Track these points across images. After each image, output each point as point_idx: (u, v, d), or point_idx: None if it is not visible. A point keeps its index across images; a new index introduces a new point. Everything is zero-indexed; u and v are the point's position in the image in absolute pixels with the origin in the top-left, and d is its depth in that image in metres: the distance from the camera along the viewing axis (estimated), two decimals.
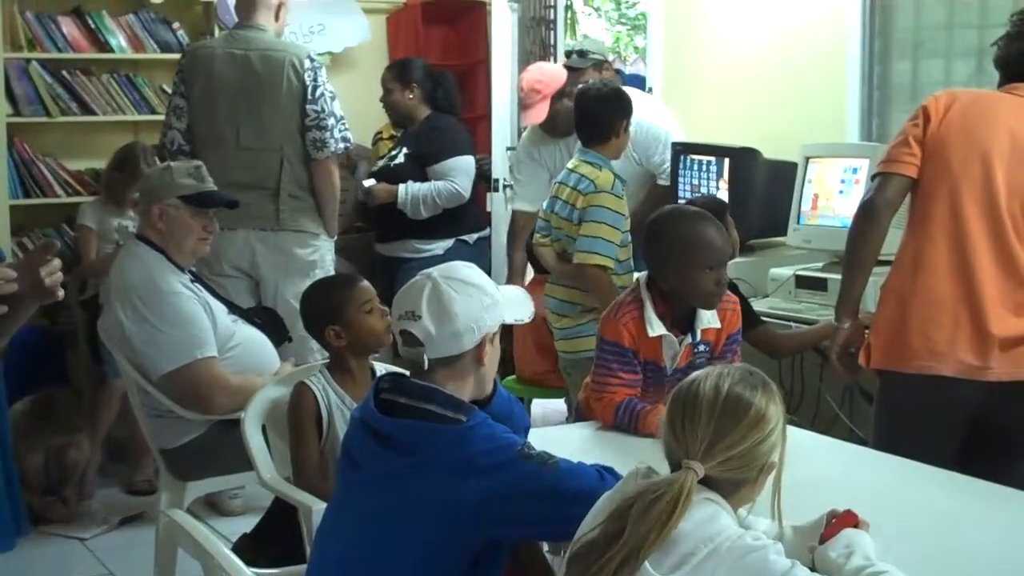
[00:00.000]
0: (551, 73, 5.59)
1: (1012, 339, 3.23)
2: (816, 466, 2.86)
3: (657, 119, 5.49)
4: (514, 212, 5.82)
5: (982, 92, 3.66)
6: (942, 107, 3.39)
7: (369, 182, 5.89)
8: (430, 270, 2.51)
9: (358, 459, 2.49)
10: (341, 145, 5.18)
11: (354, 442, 2.52)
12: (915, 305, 3.32)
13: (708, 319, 3.36)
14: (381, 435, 2.43)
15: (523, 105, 5.65)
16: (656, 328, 3.30)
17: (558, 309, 4.73)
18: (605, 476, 2.37)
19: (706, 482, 2.03)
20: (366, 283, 3.58)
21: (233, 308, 4.44)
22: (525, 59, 6.52)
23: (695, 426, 2.05)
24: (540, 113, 5.48)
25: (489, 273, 5.81)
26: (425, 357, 2.44)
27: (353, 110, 5.37)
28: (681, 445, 2.05)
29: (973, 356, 3.24)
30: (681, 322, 3.36)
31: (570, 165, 4.70)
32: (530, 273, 5.68)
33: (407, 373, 2.56)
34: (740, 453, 2.03)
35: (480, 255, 5.96)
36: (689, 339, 3.35)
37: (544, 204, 4.87)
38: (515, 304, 2.61)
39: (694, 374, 2.15)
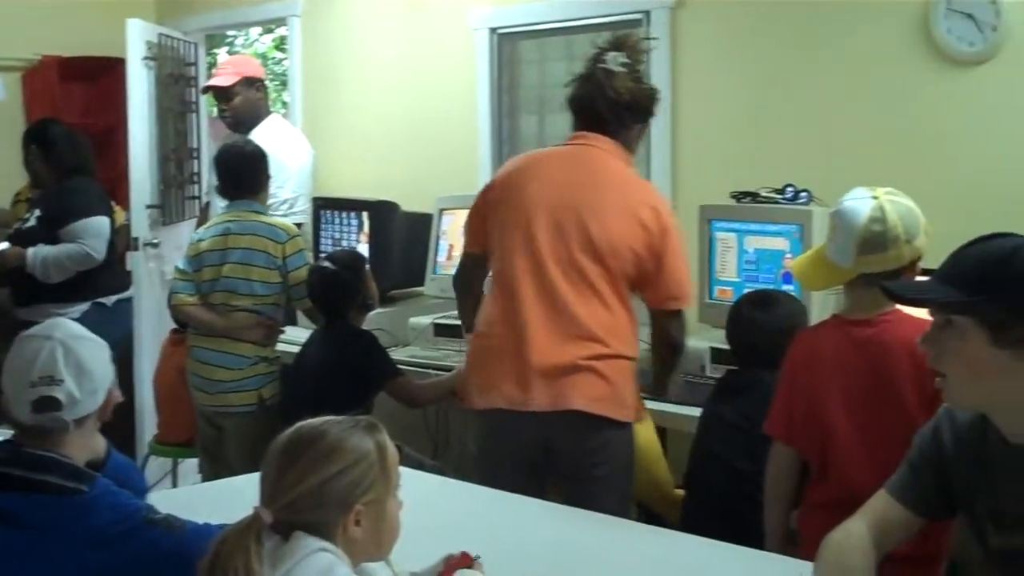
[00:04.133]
0: (249, 59, 6.19)
1: (551, 371, 3.40)
2: (439, 510, 2.95)
3: (283, 152, 5.60)
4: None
5: (535, 151, 3.95)
6: (497, 175, 3.70)
7: (2, 246, 5.73)
8: (42, 331, 2.44)
9: None
10: None
11: None
12: (481, 347, 3.55)
13: None
14: None
15: (212, 74, 5.99)
16: None
17: (223, 362, 4.74)
18: None
19: (292, 526, 1.97)
20: None
21: None
22: (163, 116, 6.47)
23: (268, 468, 2.01)
24: (224, 80, 5.73)
25: (131, 335, 5.83)
26: (69, 420, 2.39)
27: None
28: (261, 494, 2.00)
29: (517, 389, 3.42)
30: None
31: (240, 218, 4.78)
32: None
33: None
34: (309, 490, 1.95)
35: (120, 317, 5.87)
36: None
37: (183, 264, 4.86)
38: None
39: None
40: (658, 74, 4.87)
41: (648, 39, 3.77)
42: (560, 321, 3.41)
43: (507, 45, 5.59)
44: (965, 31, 4.03)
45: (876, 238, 2.86)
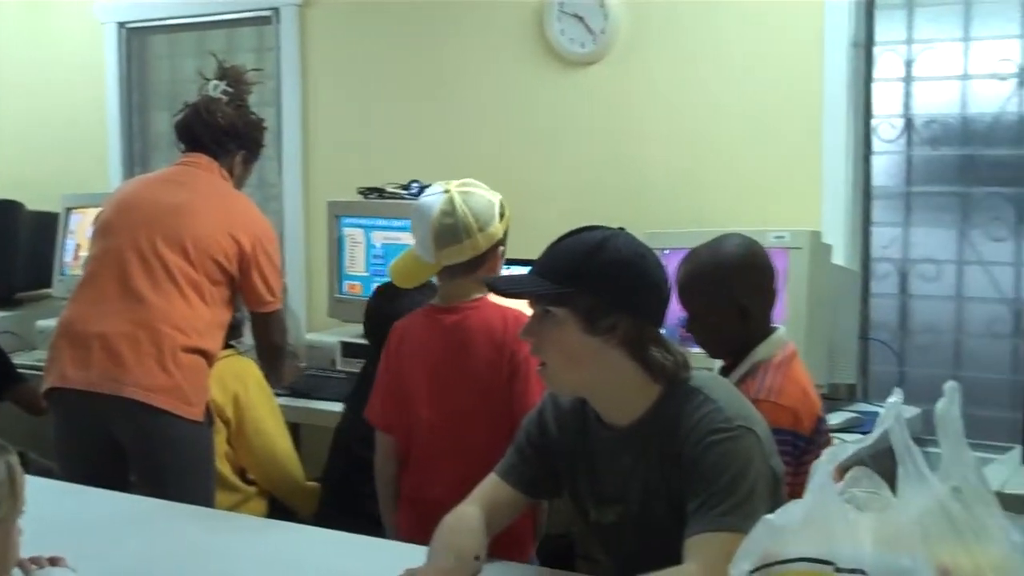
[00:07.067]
0: None
1: (113, 354, 3.41)
2: (62, 515, 2.88)
3: None
4: None
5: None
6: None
7: None
8: None
9: None
10: None
11: None
12: (56, 331, 3.56)
13: None
14: None
15: None
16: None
17: None
18: None
19: None
20: None
21: None
22: None
23: None
24: None
25: None
26: None
27: None
28: None
29: (75, 367, 3.43)
30: None
31: None
32: None
33: None
34: None
35: None
36: None
37: None
38: None
39: None
40: (288, 71, 4.93)
41: (255, 70, 3.89)
42: (132, 307, 3.43)
43: (136, 40, 5.50)
44: (576, 33, 4.23)
45: (448, 231, 2.93)
